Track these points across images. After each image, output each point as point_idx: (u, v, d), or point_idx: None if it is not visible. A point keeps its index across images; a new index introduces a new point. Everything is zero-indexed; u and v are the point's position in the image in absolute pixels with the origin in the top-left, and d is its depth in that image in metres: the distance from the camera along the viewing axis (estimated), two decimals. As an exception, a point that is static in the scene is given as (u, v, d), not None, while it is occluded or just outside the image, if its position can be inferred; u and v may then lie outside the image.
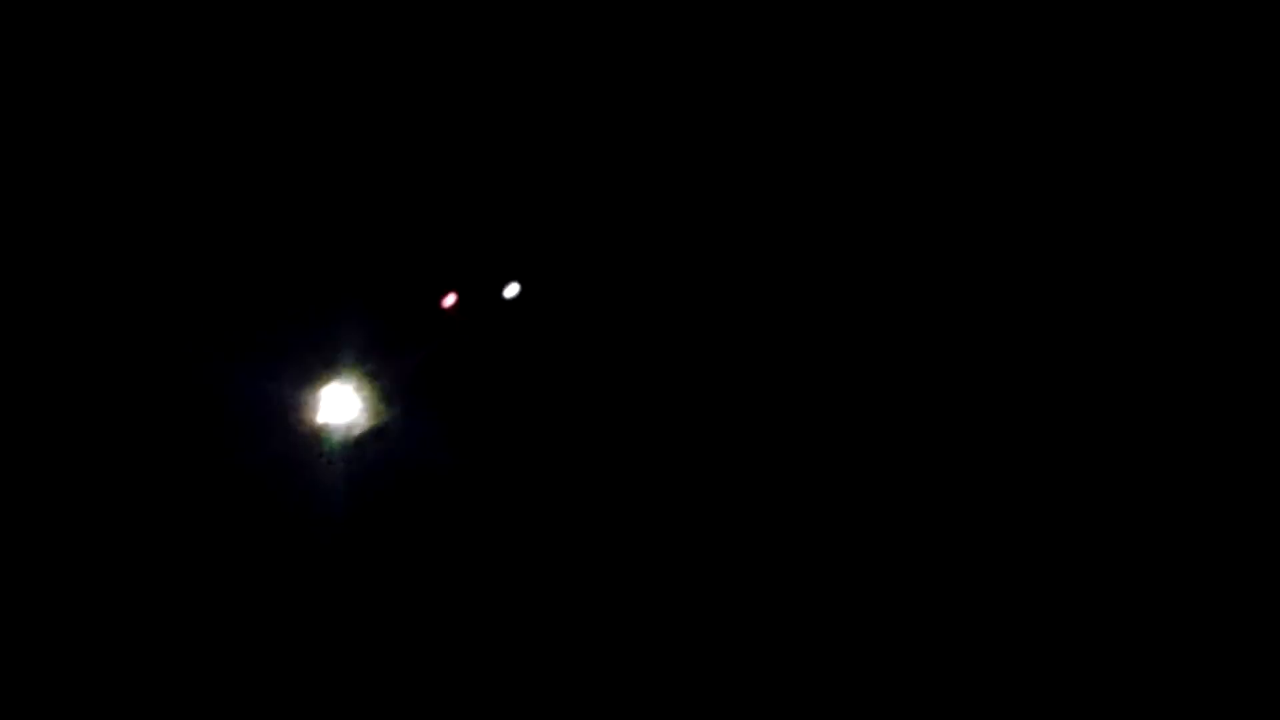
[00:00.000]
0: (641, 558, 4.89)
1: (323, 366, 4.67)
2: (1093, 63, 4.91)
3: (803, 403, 5.09)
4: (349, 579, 4.67)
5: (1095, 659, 4.65)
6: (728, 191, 5.06)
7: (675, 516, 4.95)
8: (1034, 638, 4.70)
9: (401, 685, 4.64)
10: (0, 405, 4.30)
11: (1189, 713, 4.51)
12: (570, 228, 4.97)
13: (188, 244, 4.55)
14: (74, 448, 4.33)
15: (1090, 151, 4.99)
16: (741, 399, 5.04)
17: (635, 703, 4.66)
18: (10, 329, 4.34)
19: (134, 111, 4.49)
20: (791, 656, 4.74)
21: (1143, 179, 4.96)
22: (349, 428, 4.70)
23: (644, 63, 4.87)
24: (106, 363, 4.39)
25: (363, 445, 4.72)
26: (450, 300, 4.78)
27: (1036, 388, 5.01)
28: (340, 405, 4.68)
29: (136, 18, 4.35)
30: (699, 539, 4.92)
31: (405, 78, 4.73)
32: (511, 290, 4.79)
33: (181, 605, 4.41)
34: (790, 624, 4.80)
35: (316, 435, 4.66)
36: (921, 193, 5.10)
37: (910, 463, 5.01)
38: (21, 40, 4.24)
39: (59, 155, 4.36)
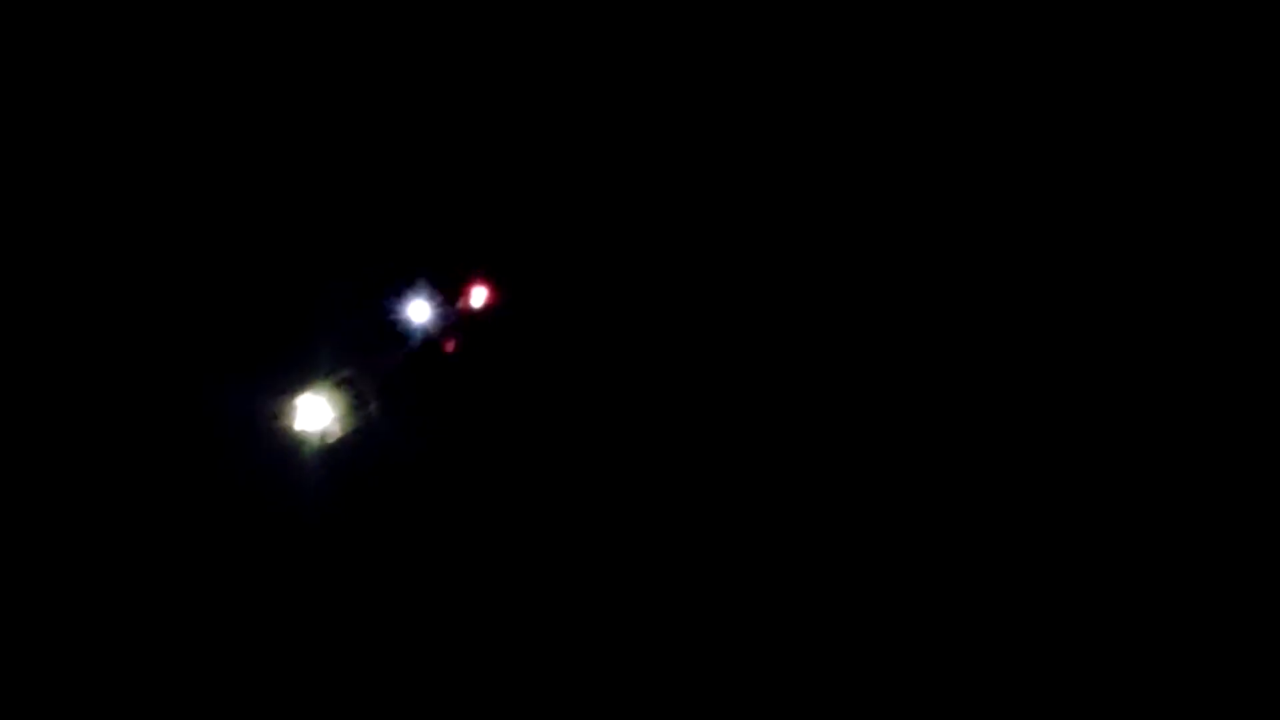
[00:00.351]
0: (613, 555, 4.98)
1: (298, 377, 4.82)
2: (1093, 63, 4.91)
3: (775, 413, 5.14)
4: (327, 577, 4.81)
5: (1095, 659, 4.64)
6: (688, 205, 5.16)
7: (644, 515, 5.03)
8: (1034, 637, 4.69)
9: (379, 677, 4.76)
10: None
11: (1189, 713, 4.49)
12: (534, 239, 5.10)
13: (165, 265, 4.68)
14: (59, 457, 4.46)
15: (1090, 152, 5.00)
16: (701, 397, 5.12)
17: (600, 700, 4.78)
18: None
19: (114, 139, 4.62)
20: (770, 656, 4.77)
21: (1143, 179, 4.96)
22: (324, 434, 4.87)
23: (607, 81, 5.00)
24: (90, 378, 4.51)
25: (337, 450, 4.88)
26: (423, 310, 4.93)
27: (1035, 387, 5.02)
28: (315, 413, 4.85)
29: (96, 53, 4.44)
30: (666, 536, 4.99)
31: (372, 99, 4.89)
32: (479, 299, 4.93)
33: (166, 605, 4.53)
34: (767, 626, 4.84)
35: (293, 442, 4.82)
36: (900, 194, 5.15)
37: (897, 463, 5.02)
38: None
39: (33, 187, 4.47)
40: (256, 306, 4.79)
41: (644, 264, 5.15)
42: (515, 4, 4.85)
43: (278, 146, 4.83)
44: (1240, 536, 4.72)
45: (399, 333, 4.98)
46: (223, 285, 4.76)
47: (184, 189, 4.71)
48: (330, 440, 4.89)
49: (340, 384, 4.83)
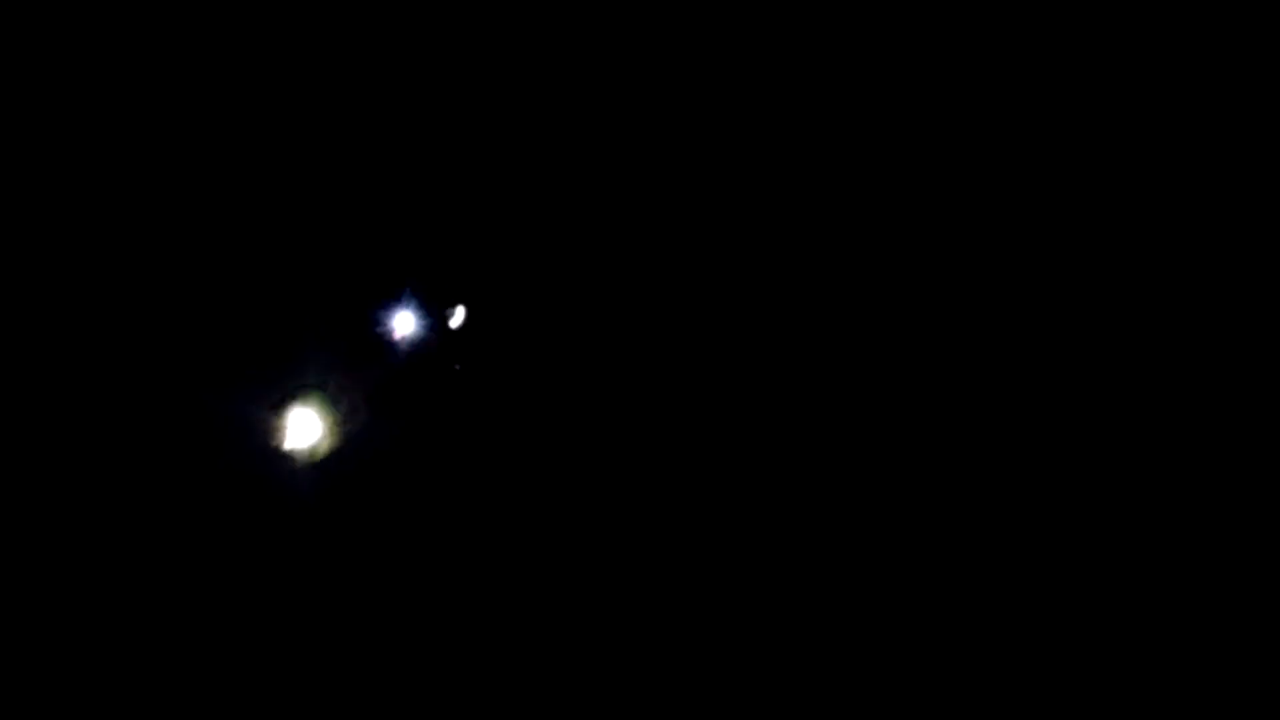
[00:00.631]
0: (606, 566, 5.03)
1: (286, 391, 4.91)
2: (1093, 63, 4.85)
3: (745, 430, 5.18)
4: (315, 590, 4.90)
5: (1095, 659, 4.61)
6: (658, 225, 5.20)
7: (637, 525, 5.07)
8: (1034, 638, 4.67)
9: (370, 691, 4.84)
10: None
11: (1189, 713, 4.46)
12: (512, 255, 5.16)
13: (150, 280, 4.77)
14: (41, 473, 4.54)
15: (1090, 152, 4.94)
16: (677, 406, 5.16)
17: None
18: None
19: (100, 155, 4.70)
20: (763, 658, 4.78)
21: (1143, 179, 4.90)
22: (312, 448, 4.95)
23: (576, 100, 5.05)
24: (74, 393, 4.61)
25: (325, 464, 4.97)
26: (403, 325, 5.01)
27: (1036, 388, 4.97)
28: (303, 427, 4.93)
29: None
30: (662, 548, 5.03)
31: (356, 118, 4.97)
32: (458, 316, 5.01)
33: (155, 622, 4.64)
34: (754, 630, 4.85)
35: (282, 456, 4.91)
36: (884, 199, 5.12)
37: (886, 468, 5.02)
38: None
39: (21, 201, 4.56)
40: (242, 321, 4.88)
41: (624, 274, 5.19)
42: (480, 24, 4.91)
43: (264, 159, 4.91)
44: (1240, 536, 4.67)
45: (386, 345, 5.05)
46: (208, 300, 4.85)
47: (162, 204, 4.79)
48: (320, 454, 4.97)
49: (328, 397, 4.91)
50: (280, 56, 4.83)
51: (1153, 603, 4.65)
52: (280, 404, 4.90)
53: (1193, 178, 4.91)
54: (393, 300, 5.08)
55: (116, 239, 4.70)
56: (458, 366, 5.10)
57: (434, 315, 5.09)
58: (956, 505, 4.95)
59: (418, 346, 5.06)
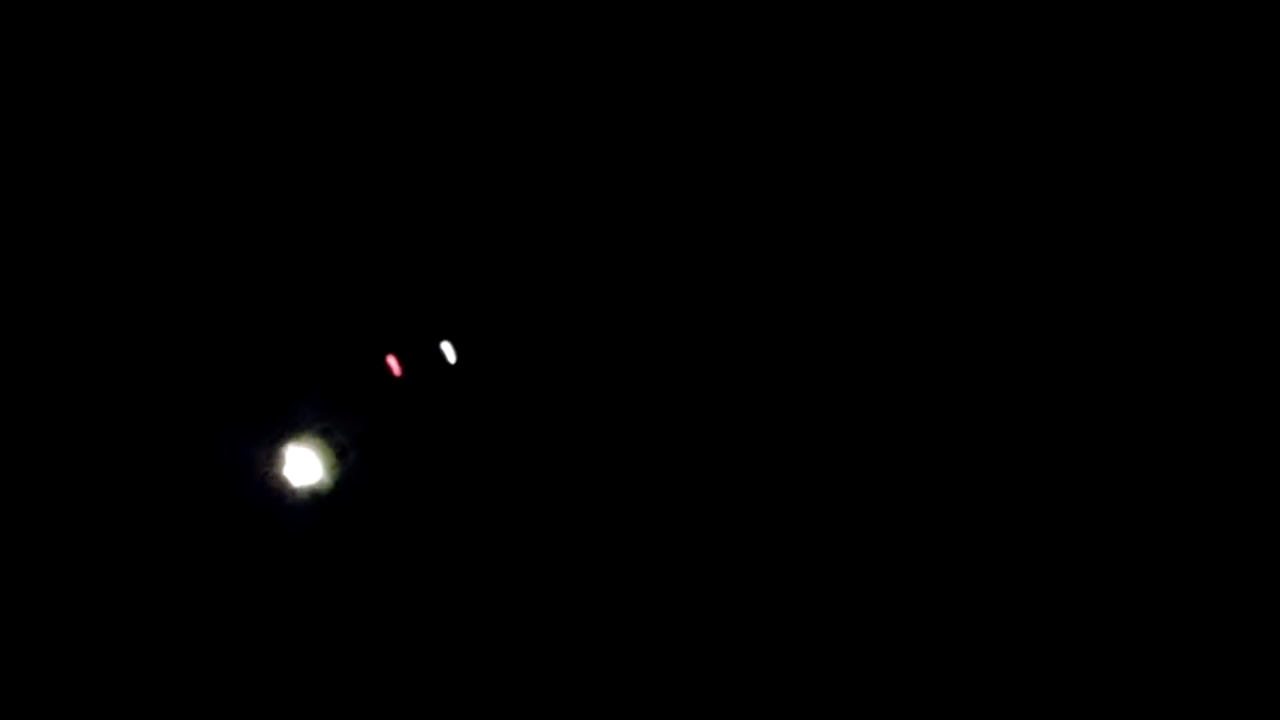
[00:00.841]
0: (600, 597, 5.06)
1: (285, 430, 5.04)
2: (1093, 63, 4.79)
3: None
4: (314, 625, 4.99)
5: (1095, 659, 4.59)
6: (642, 261, 5.28)
7: (622, 561, 5.12)
8: (1034, 638, 4.65)
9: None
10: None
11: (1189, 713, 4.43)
12: (498, 292, 5.27)
13: (154, 315, 4.94)
14: (38, 512, 4.67)
15: (1090, 152, 4.88)
16: (666, 438, 5.22)
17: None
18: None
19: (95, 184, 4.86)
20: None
21: (1143, 179, 4.85)
22: (312, 485, 5.07)
23: (554, 135, 5.16)
24: (66, 432, 4.76)
25: (325, 500, 5.08)
26: (394, 363, 5.13)
27: (1037, 388, 4.96)
28: (302, 464, 5.05)
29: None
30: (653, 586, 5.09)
31: (343, 157, 5.12)
32: (450, 351, 5.12)
33: (157, 663, 4.75)
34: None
35: (282, 493, 5.03)
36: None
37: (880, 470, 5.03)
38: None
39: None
40: (242, 359, 5.02)
41: (604, 309, 5.26)
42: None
43: (262, 195, 5.07)
44: (1240, 537, 4.63)
45: (378, 387, 5.16)
46: (207, 337, 5.00)
47: (163, 238, 4.93)
48: (320, 491, 5.08)
49: (321, 435, 5.03)
50: (278, 103, 5.01)
51: (1149, 601, 4.64)
52: (278, 441, 5.04)
53: (1191, 178, 4.87)
54: (384, 342, 5.19)
55: (116, 274, 4.86)
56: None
57: (429, 351, 5.20)
58: (954, 503, 4.94)
59: (409, 385, 5.17)
